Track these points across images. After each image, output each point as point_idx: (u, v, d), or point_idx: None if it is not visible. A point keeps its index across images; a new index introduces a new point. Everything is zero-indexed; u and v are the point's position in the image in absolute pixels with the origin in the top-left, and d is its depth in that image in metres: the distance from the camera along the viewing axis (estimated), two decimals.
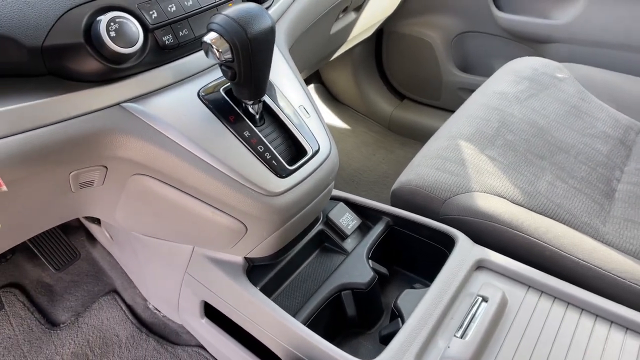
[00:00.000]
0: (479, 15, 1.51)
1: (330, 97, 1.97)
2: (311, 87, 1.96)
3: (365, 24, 1.41)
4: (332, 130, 1.85)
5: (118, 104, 0.62)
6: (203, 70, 0.71)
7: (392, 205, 0.95)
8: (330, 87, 1.96)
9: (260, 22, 0.59)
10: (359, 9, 1.29)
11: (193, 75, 0.69)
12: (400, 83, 1.84)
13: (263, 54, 0.62)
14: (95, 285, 1.25)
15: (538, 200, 0.87)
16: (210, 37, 0.59)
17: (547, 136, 1.02)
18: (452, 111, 1.71)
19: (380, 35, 1.77)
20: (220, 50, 0.59)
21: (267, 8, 0.81)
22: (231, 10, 0.59)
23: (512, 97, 1.10)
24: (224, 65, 0.62)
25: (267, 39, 0.61)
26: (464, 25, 1.57)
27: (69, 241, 1.27)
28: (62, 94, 0.57)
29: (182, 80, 0.68)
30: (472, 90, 1.64)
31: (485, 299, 0.71)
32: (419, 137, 1.78)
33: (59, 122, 0.57)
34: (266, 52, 0.62)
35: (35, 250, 1.22)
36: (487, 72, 1.59)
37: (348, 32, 1.34)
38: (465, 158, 0.93)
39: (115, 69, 0.59)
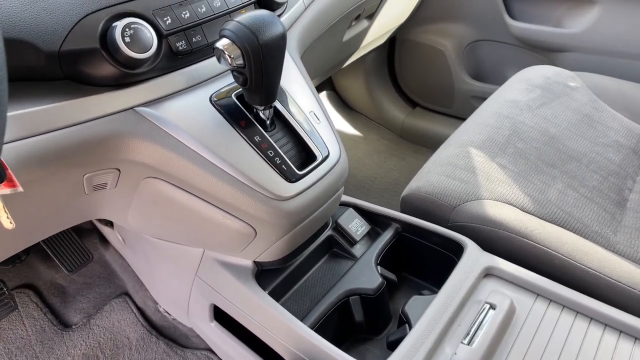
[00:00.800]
0: (491, 24, 1.51)
1: (343, 104, 1.98)
2: (324, 94, 1.98)
3: (378, 31, 1.42)
4: (344, 137, 1.86)
5: (132, 108, 0.63)
6: (215, 75, 0.72)
7: (402, 211, 0.95)
8: (343, 94, 1.97)
9: (271, 28, 0.60)
10: (371, 16, 1.30)
11: (205, 80, 0.71)
12: (412, 91, 1.84)
13: (274, 60, 0.63)
14: (107, 287, 1.26)
15: (548, 208, 0.86)
16: (222, 43, 0.60)
17: (558, 145, 1.01)
18: (465, 119, 1.71)
19: (392, 43, 1.78)
20: (232, 56, 0.60)
21: (280, 15, 0.82)
22: (243, 17, 0.60)
23: (524, 106, 1.10)
24: (236, 71, 0.63)
25: (278, 45, 0.62)
26: (477, 34, 1.57)
27: (82, 243, 1.30)
28: (77, 98, 0.58)
29: (195, 85, 0.70)
30: (485, 99, 1.64)
31: (493, 307, 0.70)
32: (431, 144, 1.78)
33: (74, 125, 0.59)
34: (277, 58, 0.64)
35: (49, 252, 1.24)
36: (500, 81, 1.58)
37: (360, 39, 1.35)
38: (475, 165, 0.93)
39: (129, 74, 0.61)
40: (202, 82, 0.70)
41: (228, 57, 0.60)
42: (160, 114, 0.64)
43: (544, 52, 1.47)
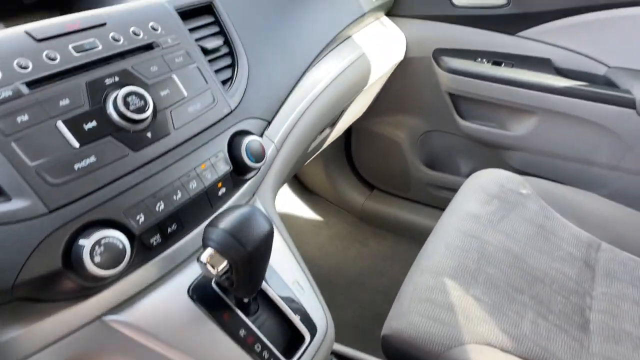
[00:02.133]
0: (442, 119, 1.57)
1: (303, 188, 1.97)
2: None
3: (338, 131, 1.43)
4: (305, 223, 1.83)
5: (98, 318, 0.56)
6: (190, 256, 0.67)
7: (384, 351, 0.92)
8: (303, 178, 1.96)
9: (258, 230, 0.57)
10: (333, 125, 1.31)
11: (180, 264, 0.65)
12: (369, 175, 1.87)
13: (262, 257, 0.59)
14: None
15: (525, 344, 0.88)
16: (206, 255, 0.55)
17: (522, 264, 1.05)
18: (422, 203, 1.76)
19: (349, 131, 1.80)
20: (218, 267, 0.55)
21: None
22: (226, 222, 0.55)
23: (486, 221, 1.13)
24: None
25: (266, 245, 0.58)
26: (429, 125, 1.63)
27: None
28: (32, 324, 0.51)
29: (169, 272, 0.64)
30: (440, 187, 1.69)
31: None
32: (390, 227, 1.80)
33: (32, 355, 0.51)
34: (265, 255, 0.60)
35: None
36: (453, 170, 1.65)
37: (323, 144, 1.35)
38: (452, 302, 0.94)
39: (95, 286, 0.54)
40: (176, 267, 0.65)
41: (211, 268, 0.55)
42: (131, 319, 0.58)
43: (493, 149, 1.55)
